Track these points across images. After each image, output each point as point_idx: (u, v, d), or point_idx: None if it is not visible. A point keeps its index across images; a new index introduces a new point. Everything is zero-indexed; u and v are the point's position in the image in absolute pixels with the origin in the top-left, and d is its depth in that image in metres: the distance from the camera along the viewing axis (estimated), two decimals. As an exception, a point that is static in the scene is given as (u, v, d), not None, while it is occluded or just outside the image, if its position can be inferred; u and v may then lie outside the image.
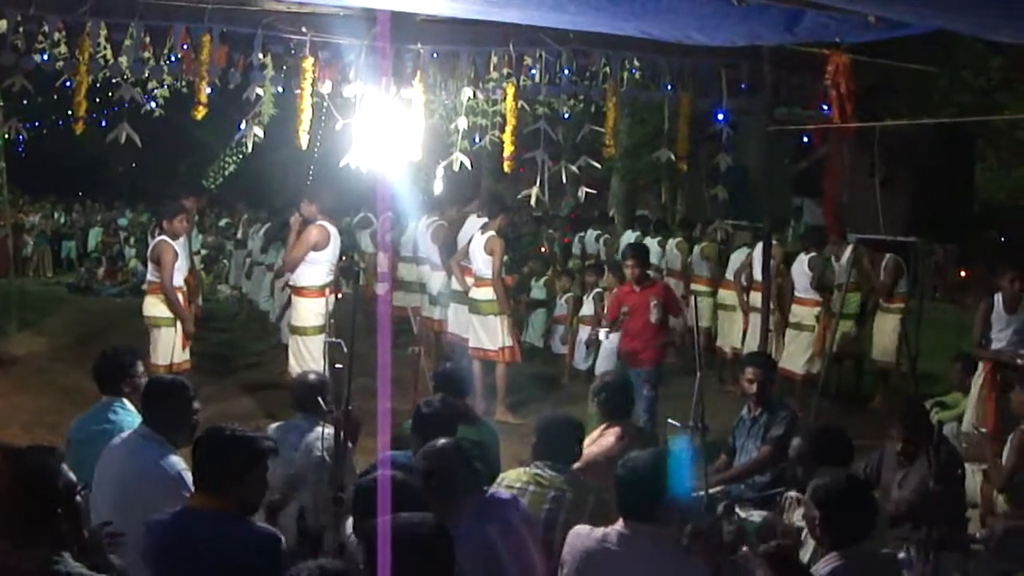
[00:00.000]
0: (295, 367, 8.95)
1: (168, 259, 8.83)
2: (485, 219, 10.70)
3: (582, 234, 16.79)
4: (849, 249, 10.94)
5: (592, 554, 4.08)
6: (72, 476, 3.40)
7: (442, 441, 4.48)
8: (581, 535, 4.18)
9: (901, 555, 5.17)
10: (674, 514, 4.19)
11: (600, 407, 6.31)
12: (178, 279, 8.95)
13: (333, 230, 9.33)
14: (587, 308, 11.44)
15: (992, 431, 7.79)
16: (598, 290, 11.23)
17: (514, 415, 9.91)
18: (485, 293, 10.11)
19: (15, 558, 3.20)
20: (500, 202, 11.23)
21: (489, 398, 10.01)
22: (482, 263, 10.13)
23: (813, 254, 10.70)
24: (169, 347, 8.89)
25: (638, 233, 14.93)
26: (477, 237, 10.28)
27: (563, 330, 12.30)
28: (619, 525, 4.13)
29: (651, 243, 14.30)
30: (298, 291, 9.28)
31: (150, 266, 9.11)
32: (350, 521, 4.49)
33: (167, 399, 4.96)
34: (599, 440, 6.18)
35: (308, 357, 9.00)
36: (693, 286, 12.90)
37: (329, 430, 5.29)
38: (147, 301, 9.06)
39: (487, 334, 10.14)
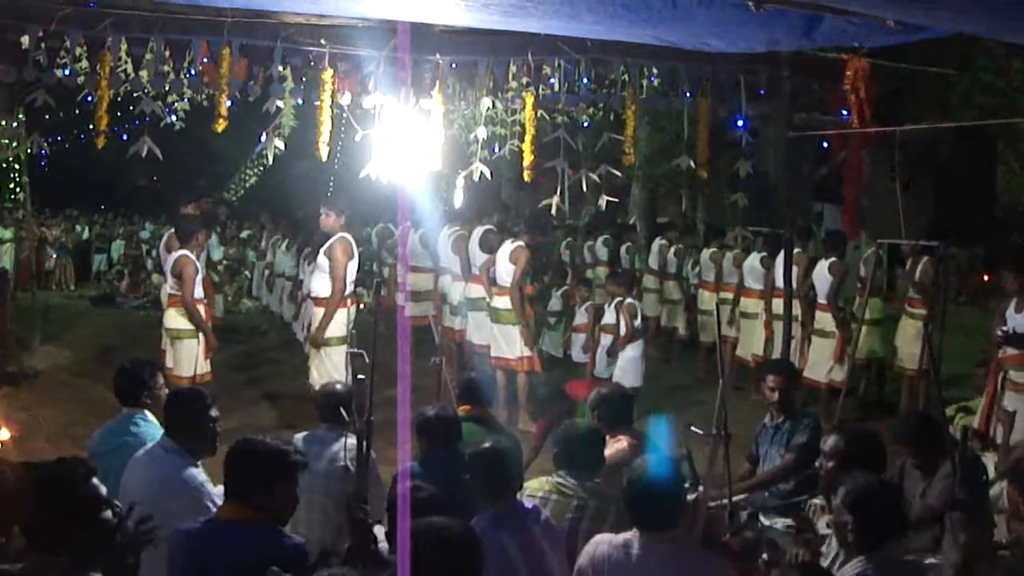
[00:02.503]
0: (317, 378, 8.96)
1: (190, 273, 8.86)
2: (489, 227, 10.74)
3: (591, 243, 16.76)
4: (870, 252, 10.89)
5: (612, 561, 4.06)
6: (103, 491, 3.43)
7: (486, 444, 4.51)
8: (601, 542, 4.16)
9: (929, 560, 5.15)
10: (686, 517, 4.18)
11: (601, 420, 6.24)
12: (199, 292, 8.99)
13: (352, 239, 9.35)
14: (609, 317, 11.42)
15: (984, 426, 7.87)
16: (619, 299, 11.21)
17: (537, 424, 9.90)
18: (505, 302, 10.13)
19: (37, 568, 3.24)
20: (533, 218, 11.25)
21: (510, 407, 10.01)
22: (504, 272, 10.13)
23: (834, 259, 10.64)
24: (192, 359, 8.91)
25: (664, 242, 14.86)
26: (505, 245, 10.29)
27: (584, 339, 12.27)
28: (636, 532, 4.13)
29: (667, 251, 14.29)
30: (321, 302, 9.28)
31: (171, 280, 9.14)
32: (376, 529, 4.50)
33: (185, 410, 4.99)
34: (613, 446, 6.15)
35: (331, 368, 9.01)
36: (721, 294, 12.81)
37: (353, 440, 5.31)
38: (168, 314, 9.10)
39: (507, 343, 10.15)
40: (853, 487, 4.18)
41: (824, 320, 10.68)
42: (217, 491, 4.67)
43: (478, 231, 11.02)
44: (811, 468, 6.20)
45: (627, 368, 10.08)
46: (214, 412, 5.01)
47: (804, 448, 6.49)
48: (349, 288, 9.25)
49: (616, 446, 6.06)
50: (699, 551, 4.10)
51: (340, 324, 9.03)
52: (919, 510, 5.57)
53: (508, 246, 10.25)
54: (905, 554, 4.44)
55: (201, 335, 8.96)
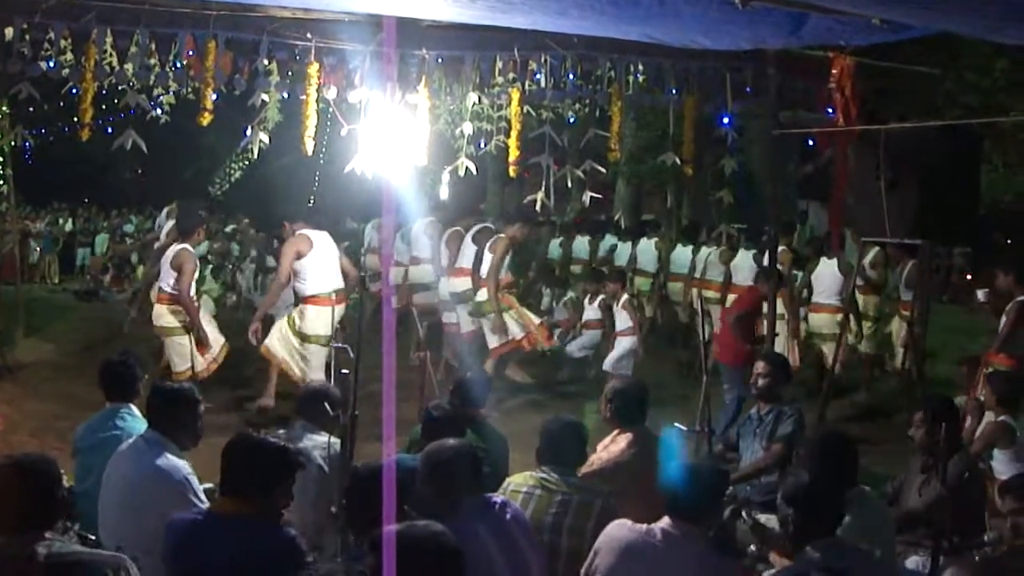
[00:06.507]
0: (303, 376, 8.97)
1: (190, 268, 8.86)
2: (486, 224, 10.81)
3: (581, 240, 16.76)
4: (874, 252, 10.92)
5: (634, 545, 4.15)
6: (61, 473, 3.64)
7: (451, 441, 4.50)
8: (623, 526, 4.26)
9: (912, 557, 5.20)
10: (712, 517, 4.26)
11: (613, 413, 6.22)
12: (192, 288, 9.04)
13: (317, 235, 9.32)
14: (590, 313, 11.46)
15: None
16: (602, 296, 11.25)
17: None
18: (483, 293, 10.28)
19: (14, 546, 3.43)
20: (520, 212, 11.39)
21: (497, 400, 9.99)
22: (486, 264, 10.27)
23: (841, 257, 10.67)
24: (186, 354, 8.92)
25: (655, 239, 14.85)
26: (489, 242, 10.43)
27: (569, 335, 12.27)
28: (664, 522, 4.20)
29: (683, 251, 14.27)
30: (307, 299, 9.27)
31: (166, 273, 9.07)
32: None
33: (175, 404, 4.97)
34: (610, 446, 6.13)
35: (314, 364, 9.02)
36: (705, 292, 12.76)
37: (326, 437, 5.32)
38: (156, 311, 9.07)
39: (496, 331, 10.27)
40: (790, 482, 4.36)
41: (821, 322, 10.66)
42: (200, 486, 4.68)
43: (475, 228, 11.08)
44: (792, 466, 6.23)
45: (620, 358, 10.22)
46: (201, 408, 5.01)
47: (790, 439, 6.51)
48: (335, 284, 9.25)
49: (615, 447, 6.05)
50: (714, 550, 4.17)
51: (326, 323, 9.02)
52: (919, 507, 5.60)
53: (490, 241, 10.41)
54: (886, 551, 4.49)
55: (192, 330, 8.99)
